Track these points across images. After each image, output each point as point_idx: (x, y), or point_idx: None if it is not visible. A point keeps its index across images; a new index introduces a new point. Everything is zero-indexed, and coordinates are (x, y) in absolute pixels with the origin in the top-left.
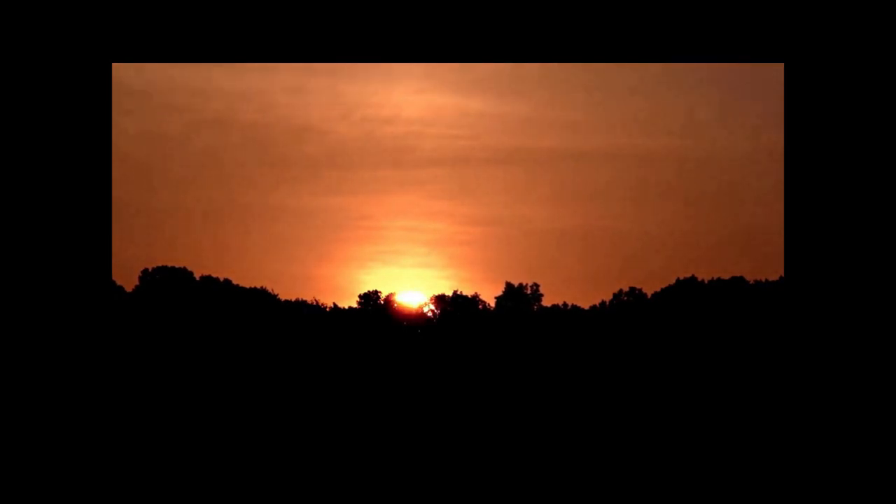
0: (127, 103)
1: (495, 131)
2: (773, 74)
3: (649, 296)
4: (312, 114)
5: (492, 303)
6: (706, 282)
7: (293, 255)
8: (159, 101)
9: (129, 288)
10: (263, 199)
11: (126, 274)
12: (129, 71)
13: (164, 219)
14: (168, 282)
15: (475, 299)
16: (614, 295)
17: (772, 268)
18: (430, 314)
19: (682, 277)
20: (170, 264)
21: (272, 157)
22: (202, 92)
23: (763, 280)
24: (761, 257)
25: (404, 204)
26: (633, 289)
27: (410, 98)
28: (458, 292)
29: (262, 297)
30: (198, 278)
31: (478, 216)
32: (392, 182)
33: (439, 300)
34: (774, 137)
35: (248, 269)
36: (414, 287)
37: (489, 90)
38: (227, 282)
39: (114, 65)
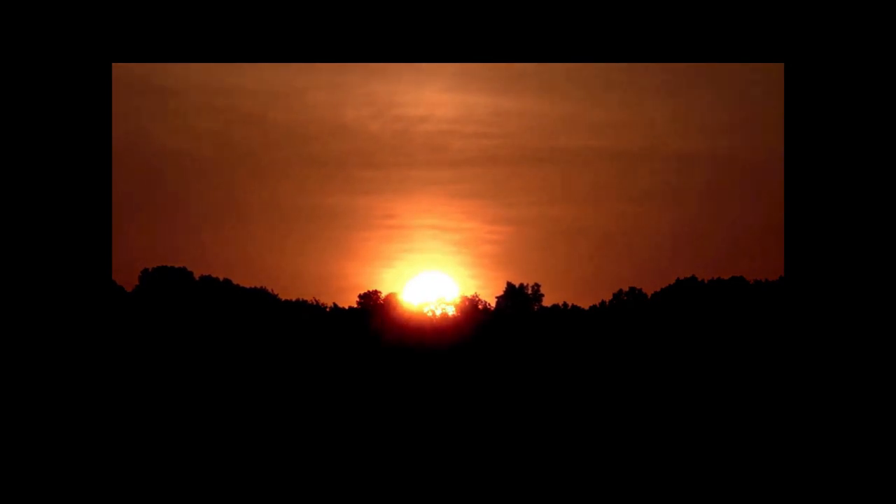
0: (154, 103)
1: (528, 131)
2: (773, 74)
3: (649, 296)
4: (346, 113)
5: (492, 302)
6: (706, 282)
7: (308, 255)
8: (187, 100)
9: (129, 288)
10: (288, 198)
11: (126, 274)
12: (157, 70)
13: (166, 218)
14: (168, 282)
15: (475, 299)
16: (614, 295)
17: (772, 268)
18: (430, 314)
19: (682, 277)
20: (170, 264)
21: (301, 155)
22: (233, 91)
23: (763, 280)
24: (761, 257)
25: (432, 203)
26: (633, 289)
27: (444, 97)
28: (462, 293)
29: (262, 297)
30: (197, 278)
31: (504, 216)
32: (421, 181)
33: (442, 300)
34: (774, 137)
35: (254, 269)
36: (433, 286)
37: (524, 89)
38: (228, 282)
39: (142, 66)
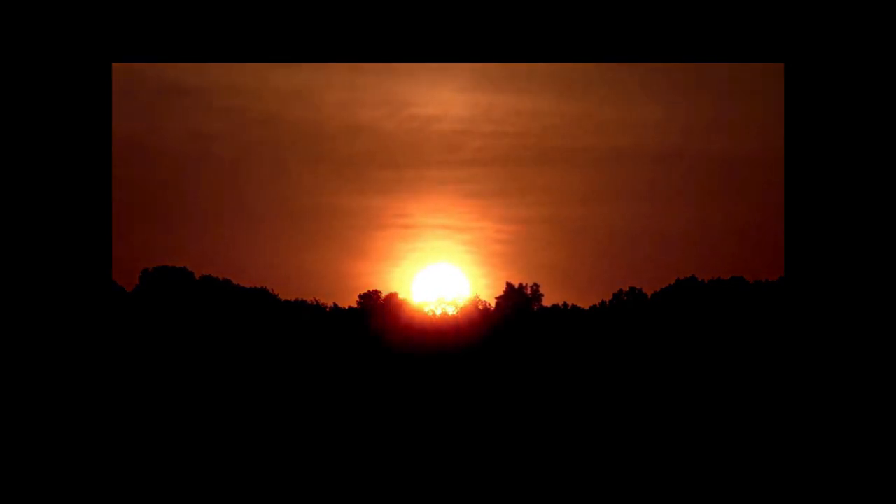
0: (157, 103)
1: (541, 130)
2: (773, 74)
3: (649, 296)
4: (360, 112)
5: (492, 302)
6: (706, 282)
7: (317, 254)
8: (192, 100)
9: (129, 288)
10: (298, 198)
11: (126, 274)
12: (174, 71)
13: (166, 219)
14: (168, 282)
15: (475, 299)
16: (614, 295)
17: (772, 268)
18: (430, 314)
19: (682, 277)
20: (170, 264)
21: (314, 155)
22: (243, 91)
23: (763, 280)
24: (761, 257)
25: (445, 202)
26: (633, 289)
27: (459, 96)
28: (472, 290)
29: (262, 297)
30: (198, 278)
31: (513, 216)
32: (435, 180)
33: (442, 300)
34: (774, 137)
35: (259, 270)
36: (443, 282)
37: (538, 89)
38: (227, 281)
39: (157, 66)
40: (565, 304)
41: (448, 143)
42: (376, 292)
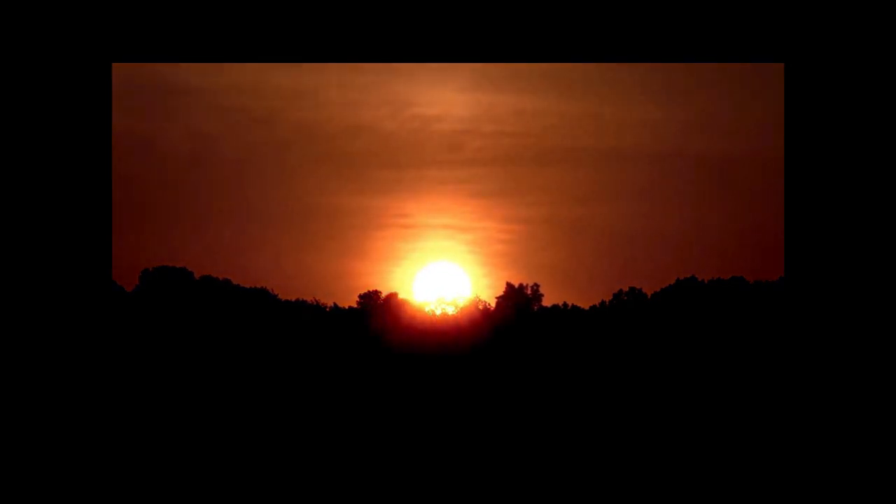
0: (158, 103)
1: (544, 130)
2: (773, 74)
3: (649, 296)
4: (362, 112)
5: (492, 302)
6: (706, 282)
7: (318, 255)
8: (205, 100)
9: (129, 288)
10: (298, 198)
11: (126, 274)
12: (174, 71)
13: (167, 219)
14: (168, 282)
15: (475, 299)
16: (614, 295)
17: (772, 268)
18: (430, 314)
19: (682, 277)
20: (170, 264)
21: (315, 155)
22: (244, 90)
23: (763, 280)
24: (761, 257)
25: (447, 202)
26: (633, 289)
27: (461, 96)
28: (474, 289)
29: (262, 297)
30: (198, 278)
31: (514, 216)
32: (436, 180)
33: (441, 300)
34: (774, 137)
35: (260, 270)
36: (444, 281)
37: (540, 89)
38: (227, 281)
39: (157, 66)
40: (565, 304)
41: (449, 143)
42: (376, 292)
